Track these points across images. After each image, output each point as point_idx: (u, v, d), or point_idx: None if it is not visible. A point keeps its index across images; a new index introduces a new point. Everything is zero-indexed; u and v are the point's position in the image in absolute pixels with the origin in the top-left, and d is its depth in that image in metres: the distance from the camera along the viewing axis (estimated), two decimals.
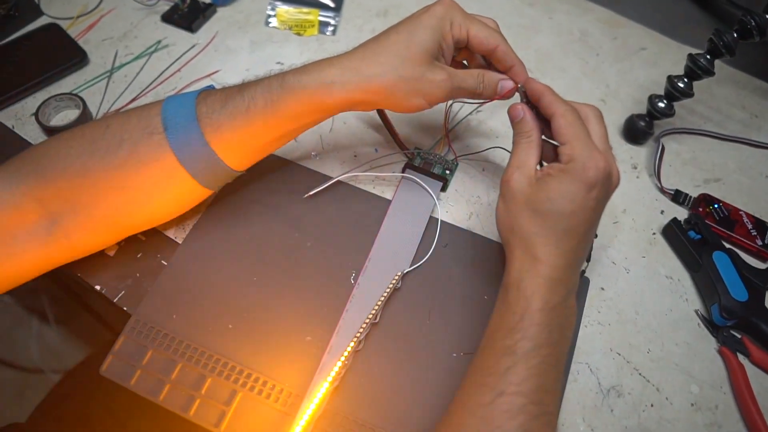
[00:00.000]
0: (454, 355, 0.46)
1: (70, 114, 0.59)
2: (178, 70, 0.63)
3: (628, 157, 0.60)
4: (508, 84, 0.46)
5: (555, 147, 0.45)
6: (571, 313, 0.41)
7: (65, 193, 0.43)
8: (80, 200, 0.43)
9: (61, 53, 0.62)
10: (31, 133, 0.58)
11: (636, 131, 0.59)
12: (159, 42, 0.65)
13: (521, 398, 0.37)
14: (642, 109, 0.60)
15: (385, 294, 0.47)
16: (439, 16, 0.42)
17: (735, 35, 0.52)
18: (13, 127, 0.58)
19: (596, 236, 0.49)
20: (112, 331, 1.01)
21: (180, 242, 0.51)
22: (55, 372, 1.17)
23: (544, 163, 0.44)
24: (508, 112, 0.45)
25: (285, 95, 0.42)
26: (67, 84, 0.61)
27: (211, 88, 0.46)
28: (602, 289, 0.51)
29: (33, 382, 1.19)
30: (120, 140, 0.43)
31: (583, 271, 0.51)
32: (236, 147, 0.44)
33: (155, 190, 0.44)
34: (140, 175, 0.43)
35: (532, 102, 0.44)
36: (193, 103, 0.43)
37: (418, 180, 0.54)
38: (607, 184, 0.40)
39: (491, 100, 0.46)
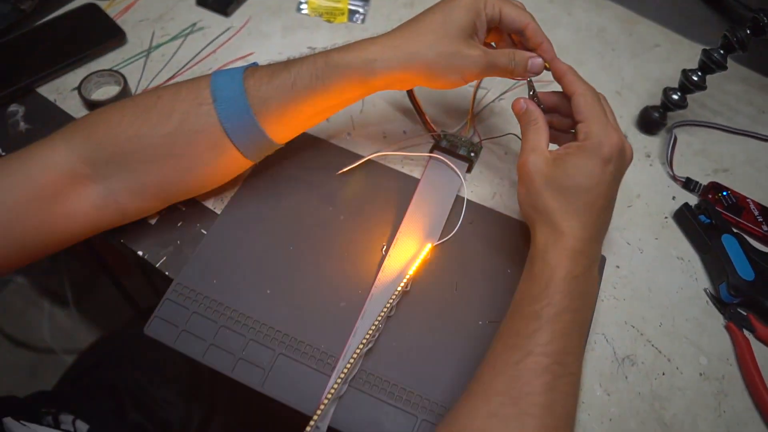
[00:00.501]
0: (480, 323, 0.49)
1: (111, 90, 0.61)
2: (213, 51, 0.65)
3: (642, 147, 0.63)
4: (538, 61, 0.48)
5: (563, 132, 0.48)
6: (593, 283, 0.44)
7: (117, 159, 0.45)
8: (131, 166, 0.45)
9: (99, 32, 0.65)
10: (72, 107, 0.60)
11: (650, 122, 0.62)
12: (194, 24, 0.67)
13: (546, 359, 0.40)
14: (656, 101, 0.63)
15: (416, 265, 0.50)
16: None
17: (748, 32, 0.55)
18: (55, 100, 0.60)
19: None
20: (135, 307, 1.04)
21: (219, 213, 0.53)
22: (67, 353, 1.19)
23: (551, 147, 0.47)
24: (512, 107, 0.48)
25: (330, 72, 0.45)
26: (105, 62, 0.64)
27: (255, 65, 0.48)
28: (617, 267, 0.54)
29: (45, 363, 1.21)
30: (171, 110, 0.45)
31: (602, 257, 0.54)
32: (280, 120, 0.47)
33: (201, 158, 0.47)
34: (189, 143, 0.46)
35: (555, 78, 0.47)
36: (240, 77, 0.45)
37: (446, 160, 0.57)
38: (621, 159, 0.43)
39: (523, 79, 0.49)
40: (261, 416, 0.72)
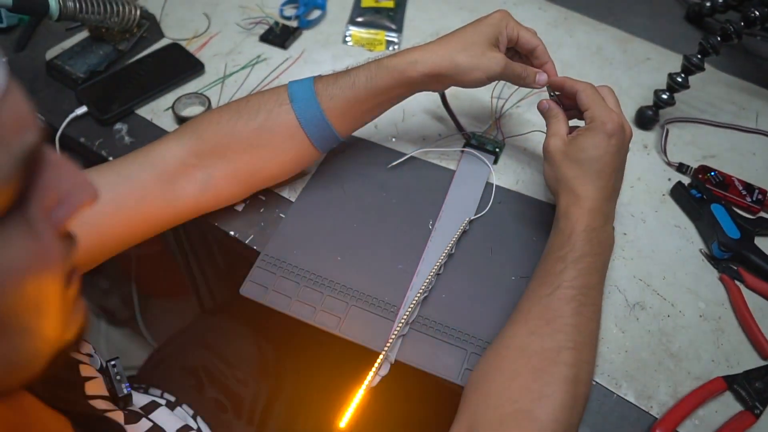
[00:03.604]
0: (513, 278, 0.60)
1: (197, 109, 0.74)
2: (276, 77, 0.79)
3: (640, 140, 0.74)
4: (544, 76, 0.61)
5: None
6: (609, 235, 0.55)
7: (217, 150, 0.57)
8: (227, 155, 0.58)
9: (182, 65, 0.79)
10: (165, 124, 0.73)
11: (645, 119, 0.74)
12: (258, 56, 0.81)
13: (573, 291, 0.50)
14: (649, 103, 0.75)
15: (459, 233, 0.61)
16: (498, 18, 0.58)
17: (719, 39, 0.67)
18: (151, 119, 0.74)
19: None
20: (201, 306, 1.14)
21: (293, 200, 0.65)
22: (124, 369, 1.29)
23: None
24: (538, 106, 0.61)
25: (381, 72, 0.57)
26: (188, 88, 0.77)
27: (320, 76, 0.61)
28: (624, 234, 0.65)
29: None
30: (258, 109, 0.58)
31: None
32: (343, 114, 0.59)
33: (282, 148, 0.59)
34: (272, 136, 0.58)
35: (557, 92, 0.59)
36: (311, 82, 0.58)
37: (476, 154, 0.69)
38: (621, 133, 0.55)
39: (529, 88, 0.61)
40: (319, 393, 0.81)
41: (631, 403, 0.53)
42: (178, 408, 0.65)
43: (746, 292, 0.61)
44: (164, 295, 1.32)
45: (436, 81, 0.59)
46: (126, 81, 0.76)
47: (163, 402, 0.60)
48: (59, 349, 0.31)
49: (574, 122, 0.60)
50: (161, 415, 0.57)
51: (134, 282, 1.05)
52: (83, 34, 0.82)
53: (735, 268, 0.62)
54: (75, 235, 0.31)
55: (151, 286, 1.29)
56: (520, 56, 0.63)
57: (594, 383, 0.54)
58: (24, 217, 0.26)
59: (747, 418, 0.52)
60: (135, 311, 1.07)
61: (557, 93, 0.61)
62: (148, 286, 1.27)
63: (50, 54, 0.79)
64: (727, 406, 0.53)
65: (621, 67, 0.84)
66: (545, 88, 0.62)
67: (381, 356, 0.53)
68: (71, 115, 0.72)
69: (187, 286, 1.05)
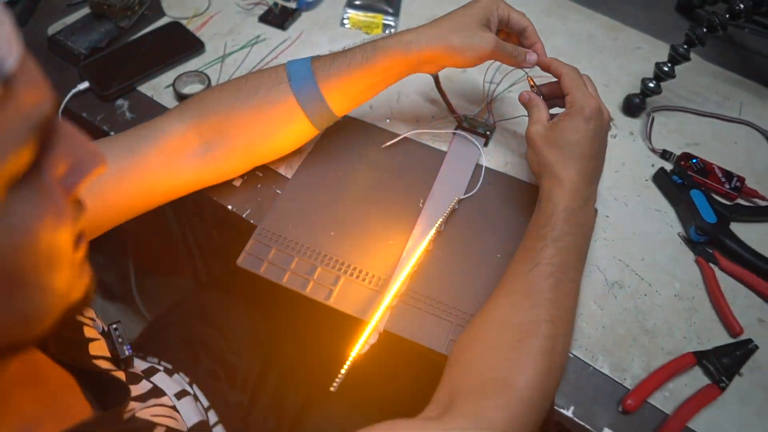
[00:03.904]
0: (498, 256, 0.63)
1: (197, 87, 0.76)
2: (275, 57, 0.80)
3: (627, 127, 0.77)
4: (534, 56, 0.63)
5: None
6: (589, 216, 0.58)
7: (217, 126, 0.59)
8: (227, 131, 0.60)
9: (183, 43, 0.80)
10: (165, 101, 0.75)
11: (632, 106, 0.77)
12: (258, 36, 0.83)
13: (551, 267, 0.53)
14: (637, 90, 0.77)
15: (448, 211, 0.64)
16: (488, 0, 0.60)
17: (705, 30, 0.69)
18: (152, 96, 0.76)
19: None
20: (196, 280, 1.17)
21: (289, 177, 0.68)
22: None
23: None
24: (519, 98, 0.63)
25: (376, 53, 0.59)
26: (189, 66, 0.79)
27: (318, 56, 0.63)
28: (607, 216, 0.68)
29: None
30: (257, 87, 0.60)
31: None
32: (339, 92, 0.61)
33: (279, 124, 0.61)
34: (271, 112, 0.60)
35: (546, 71, 0.61)
36: (309, 61, 0.60)
37: (467, 136, 0.71)
38: (599, 117, 0.57)
39: (520, 68, 0.63)
40: (310, 364, 0.84)
41: (606, 375, 0.56)
42: (175, 375, 0.68)
43: (720, 275, 0.64)
44: (160, 271, 1.35)
45: (430, 61, 0.61)
46: (127, 58, 0.78)
47: (161, 368, 0.63)
48: (67, 307, 0.34)
49: (555, 111, 0.62)
50: (160, 379, 0.59)
51: (131, 257, 1.07)
52: (85, 11, 0.83)
53: (711, 251, 0.65)
54: (83, 201, 0.34)
55: (148, 262, 1.31)
56: (511, 38, 0.65)
57: (572, 356, 0.57)
58: (39, 180, 0.28)
59: (713, 391, 0.55)
60: (131, 286, 1.09)
61: (539, 84, 0.63)
62: (144, 262, 1.29)
63: (52, 30, 0.81)
64: (695, 379, 0.57)
65: (611, 55, 0.86)
66: (527, 81, 0.64)
67: (370, 325, 0.56)
68: (73, 91, 0.73)
69: (183, 263, 1.07)
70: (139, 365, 0.60)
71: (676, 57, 0.71)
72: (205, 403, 0.65)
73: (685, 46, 0.71)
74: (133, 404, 0.49)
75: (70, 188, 0.31)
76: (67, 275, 0.32)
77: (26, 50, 0.26)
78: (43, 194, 0.29)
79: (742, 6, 0.67)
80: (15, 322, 0.30)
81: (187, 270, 1.07)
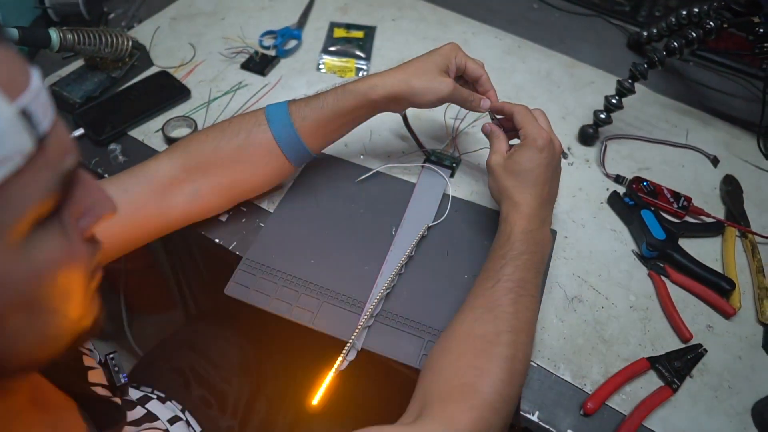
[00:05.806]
0: (465, 276, 0.68)
1: (184, 131, 0.82)
2: (257, 101, 0.87)
3: (582, 154, 0.83)
4: (487, 102, 0.70)
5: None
6: (546, 236, 0.63)
7: (203, 166, 0.65)
8: (212, 170, 0.65)
9: (171, 90, 0.86)
10: (156, 144, 0.81)
11: (586, 136, 0.83)
12: (240, 82, 0.89)
13: (511, 283, 0.58)
14: (590, 121, 0.84)
15: (418, 238, 0.69)
16: (449, 49, 0.67)
17: (645, 66, 0.77)
18: (143, 140, 0.81)
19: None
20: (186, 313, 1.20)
21: (271, 211, 0.73)
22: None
23: None
24: (482, 129, 0.70)
25: (346, 95, 0.66)
26: (176, 112, 0.85)
27: (294, 100, 0.69)
28: (566, 237, 0.73)
29: None
30: (239, 129, 0.66)
31: (553, 230, 0.73)
32: (314, 132, 0.67)
33: (260, 163, 0.67)
34: (252, 151, 0.66)
35: (498, 114, 0.68)
36: (286, 105, 0.66)
37: (435, 168, 0.77)
38: (551, 147, 0.63)
39: (475, 111, 0.70)
40: (297, 388, 0.88)
41: (567, 381, 0.61)
42: (168, 402, 0.72)
43: (671, 286, 0.69)
44: (151, 308, 1.38)
45: (395, 102, 0.67)
46: (119, 105, 0.84)
47: (154, 396, 0.67)
48: (79, 333, 0.38)
49: (514, 141, 0.68)
50: (154, 405, 0.63)
51: (122, 295, 1.10)
52: (79, 63, 0.89)
53: (662, 265, 0.71)
54: (99, 239, 0.39)
55: (139, 299, 1.34)
56: (469, 84, 0.72)
57: (536, 365, 0.62)
58: (59, 222, 0.33)
59: (666, 392, 0.60)
60: (123, 324, 1.13)
61: (499, 117, 0.69)
62: (135, 299, 1.33)
63: (48, 81, 0.87)
64: (650, 382, 0.62)
65: (567, 89, 0.93)
66: (488, 114, 0.70)
67: (348, 343, 0.60)
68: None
69: (174, 300, 1.11)
70: (134, 394, 0.64)
71: (623, 90, 0.78)
72: (197, 429, 0.69)
73: (630, 81, 0.78)
74: (127, 429, 0.53)
75: (84, 229, 0.36)
76: (80, 303, 0.37)
77: (57, 113, 0.32)
78: (62, 235, 0.33)
79: (676, 44, 0.75)
80: (33, 343, 0.35)
81: (177, 304, 1.11)
